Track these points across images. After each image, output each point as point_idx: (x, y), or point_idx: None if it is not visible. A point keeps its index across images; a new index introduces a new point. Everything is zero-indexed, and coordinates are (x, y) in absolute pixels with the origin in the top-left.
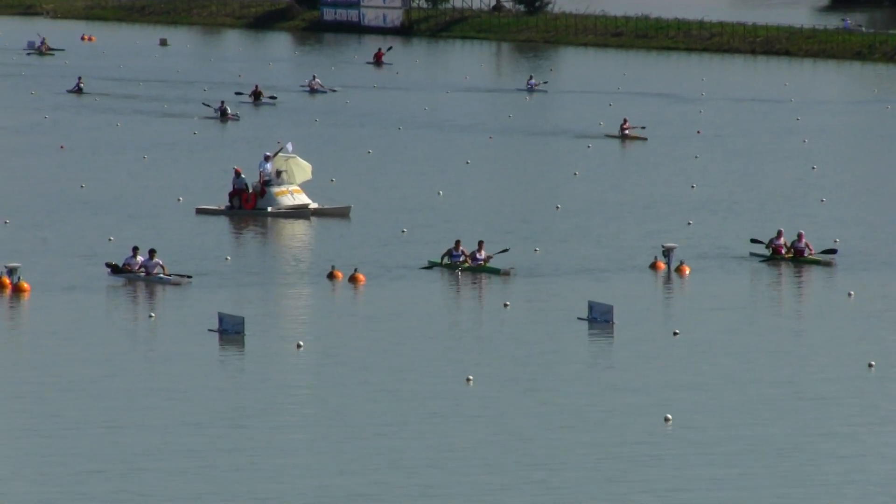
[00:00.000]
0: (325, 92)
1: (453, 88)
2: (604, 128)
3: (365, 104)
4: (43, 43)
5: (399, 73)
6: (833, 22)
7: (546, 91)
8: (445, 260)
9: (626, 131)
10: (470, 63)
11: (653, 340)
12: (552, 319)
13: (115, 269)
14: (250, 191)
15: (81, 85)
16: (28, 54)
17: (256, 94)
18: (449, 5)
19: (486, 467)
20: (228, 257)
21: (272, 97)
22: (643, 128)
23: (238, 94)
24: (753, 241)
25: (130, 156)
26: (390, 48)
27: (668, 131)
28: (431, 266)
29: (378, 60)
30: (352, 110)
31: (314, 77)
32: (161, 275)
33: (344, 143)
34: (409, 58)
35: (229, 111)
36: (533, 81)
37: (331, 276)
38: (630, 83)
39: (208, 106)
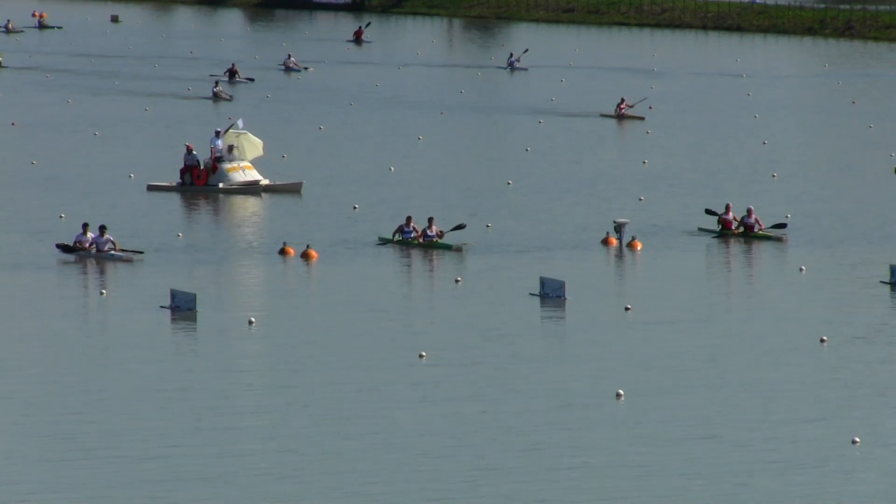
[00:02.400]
0: (299, 70)
1: (404, 64)
2: (562, 106)
3: (320, 81)
4: (41, 17)
5: (349, 49)
6: None
7: (527, 69)
8: (397, 236)
9: (624, 110)
10: (421, 39)
11: (604, 316)
12: (504, 295)
13: (65, 249)
14: (202, 167)
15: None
16: None
17: (232, 73)
18: None
19: (438, 443)
20: (180, 234)
21: (250, 79)
22: (644, 99)
23: (212, 75)
24: (708, 211)
25: (82, 132)
26: (368, 24)
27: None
28: (384, 242)
29: (358, 38)
30: (306, 87)
31: (290, 56)
32: (112, 251)
33: (296, 119)
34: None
35: (223, 93)
36: (514, 59)
37: (283, 252)
38: (582, 59)
39: (218, 87)
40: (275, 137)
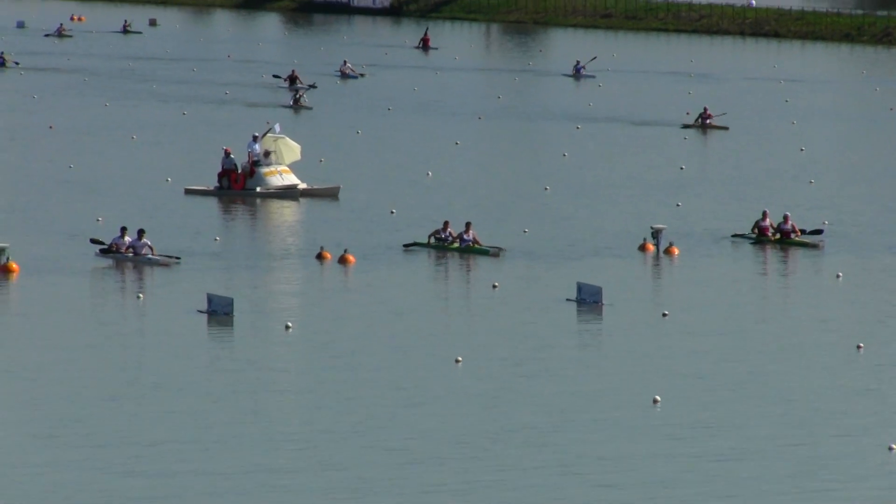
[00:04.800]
0: (356, 77)
1: (442, 69)
2: (599, 112)
3: (373, 86)
4: (125, 23)
5: (388, 53)
6: (822, 5)
7: (594, 76)
8: (433, 240)
9: (708, 121)
10: (459, 44)
11: (641, 322)
12: (541, 300)
13: (101, 248)
14: (239, 171)
15: (5, 58)
16: (45, 36)
17: (292, 79)
18: None
19: (475, 448)
20: (217, 238)
21: (312, 85)
22: (724, 114)
23: (276, 76)
24: (735, 236)
25: (119, 136)
26: (427, 29)
27: (657, 113)
28: (412, 245)
29: (425, 45)
30: (356, 93)
31: (345, 62)
32: (149, 255)
33: (333, 123)
34: (398, 39)
35: (303, 100)
36: (581, 66)
37: (320, 256)
38: (619, 65)
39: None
40: (312, 142)
